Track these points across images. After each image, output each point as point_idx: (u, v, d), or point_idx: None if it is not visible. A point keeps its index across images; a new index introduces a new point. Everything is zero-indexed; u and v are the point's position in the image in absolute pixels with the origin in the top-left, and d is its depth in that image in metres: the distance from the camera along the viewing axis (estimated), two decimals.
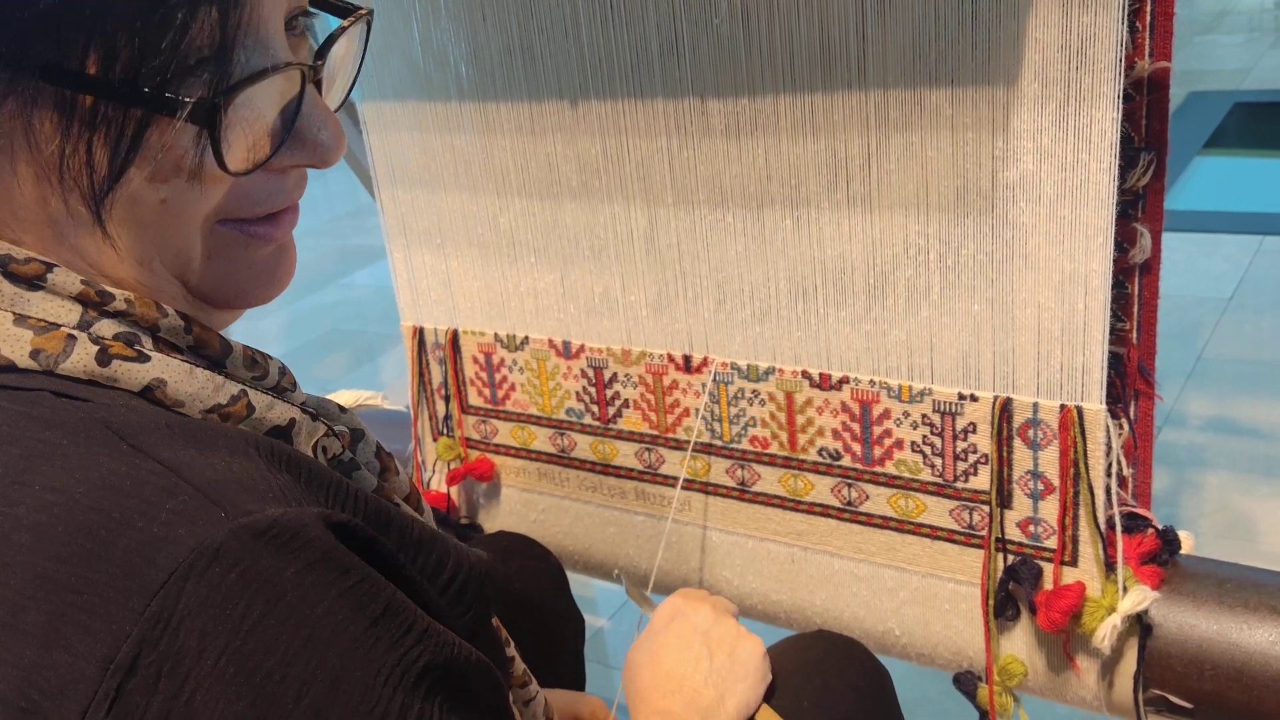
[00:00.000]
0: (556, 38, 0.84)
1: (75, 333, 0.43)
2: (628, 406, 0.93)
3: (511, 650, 0.61)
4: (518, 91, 0.88)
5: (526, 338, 0.97)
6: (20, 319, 0.43)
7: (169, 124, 0.42)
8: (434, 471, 1.06)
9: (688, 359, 0.88)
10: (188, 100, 0.42)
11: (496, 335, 0.98)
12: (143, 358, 0.44)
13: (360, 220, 4.01)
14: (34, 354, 0.43)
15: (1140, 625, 0.74)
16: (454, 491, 1.05)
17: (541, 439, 0.99)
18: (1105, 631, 0.73)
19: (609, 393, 0.94)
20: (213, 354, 0.48)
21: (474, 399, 1.02)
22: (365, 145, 0.99)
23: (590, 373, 0.94)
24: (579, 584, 1.86)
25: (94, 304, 0.45)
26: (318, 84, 0.48)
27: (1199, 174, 3.05)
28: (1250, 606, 0.73)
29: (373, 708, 0.38)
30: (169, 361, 0.44)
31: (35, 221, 0.44)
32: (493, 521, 1.05)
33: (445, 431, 1.04)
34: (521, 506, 1.03)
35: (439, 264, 1.00)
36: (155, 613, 0.37)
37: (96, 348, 0.43)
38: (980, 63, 0.69)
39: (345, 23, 0.51)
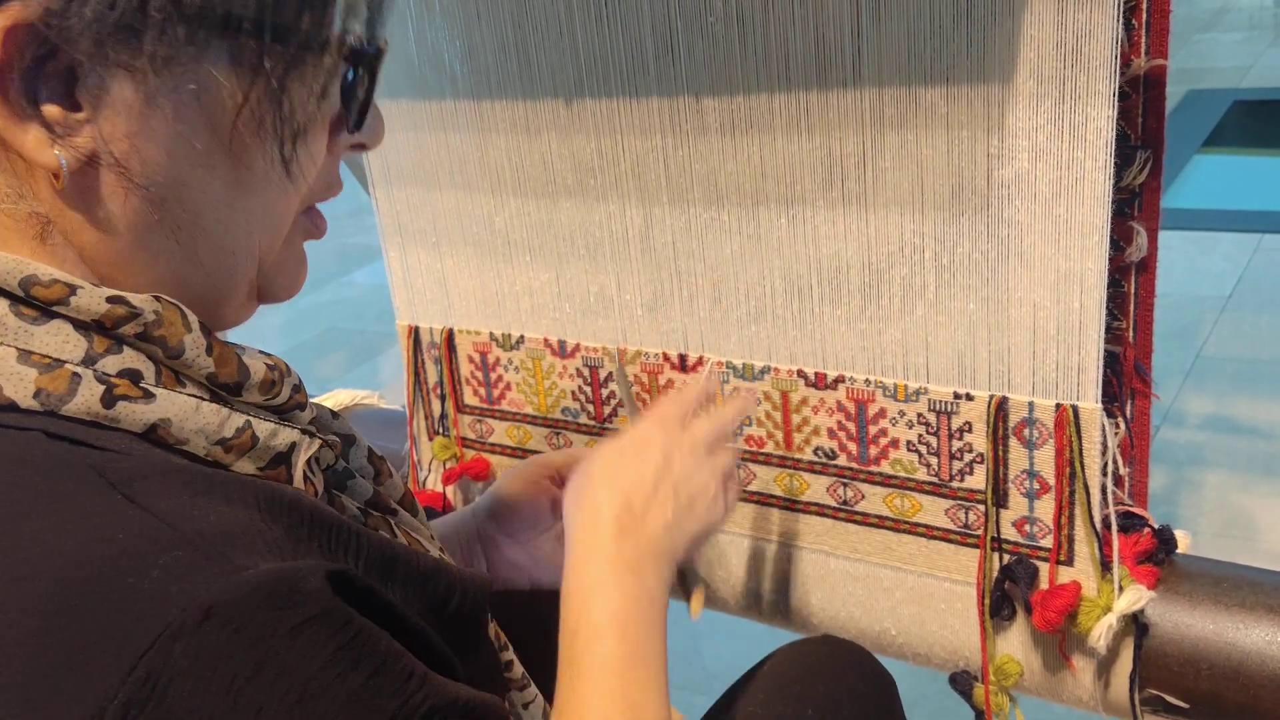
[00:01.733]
0: (551, 36, 0.84)
1: (80, 370, 0.42)
2: (624, 406, 0.93)
3: (509, 654, 0.61)
4: (513, 90, 0.88)
5: (522, 337, 0.96)
6: (24, 355, 0.41)
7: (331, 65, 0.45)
8: (430, 471, 1.06)
9: (683, 358, 0.88)
10: (351, 43, 0.45)
11: (492, 334, 0.98)
12: (148, 396, 0.43)
13: (359, 219, 4.01)
14: (37, 394, 0.41)
15: (1136, 625, 0.74)
16: (450, 491, 1.05)
17: (537, 438, 0.99)
18: (1101, 631, 0.72)
19: (604, 392, 0.94)
20: (229, 379, 0.46)
21: (469, 398, 1.02)
22: None
23: (586, 372, 0.94)
24: None
25: (109, 330, 0.43)
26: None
27: (1198, 172, 3.05)
28: (1247, 606, 0.73)
29: None
30: (174, 398, 0.43)
31: (105, 229, 0.43)
32: None
33: (441, 431, 1.04)
34: None
35: (434, 263, 0.99)
36: (143, 675, 0.36)
37: (103, 388, 0.42)
38: (975, 60, 0.69)
39: None
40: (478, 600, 0.49)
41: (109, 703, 0.35)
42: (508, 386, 0.99)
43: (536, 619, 1.00)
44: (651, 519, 0.62)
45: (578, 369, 0.94)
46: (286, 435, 0.47)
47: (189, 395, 0.44)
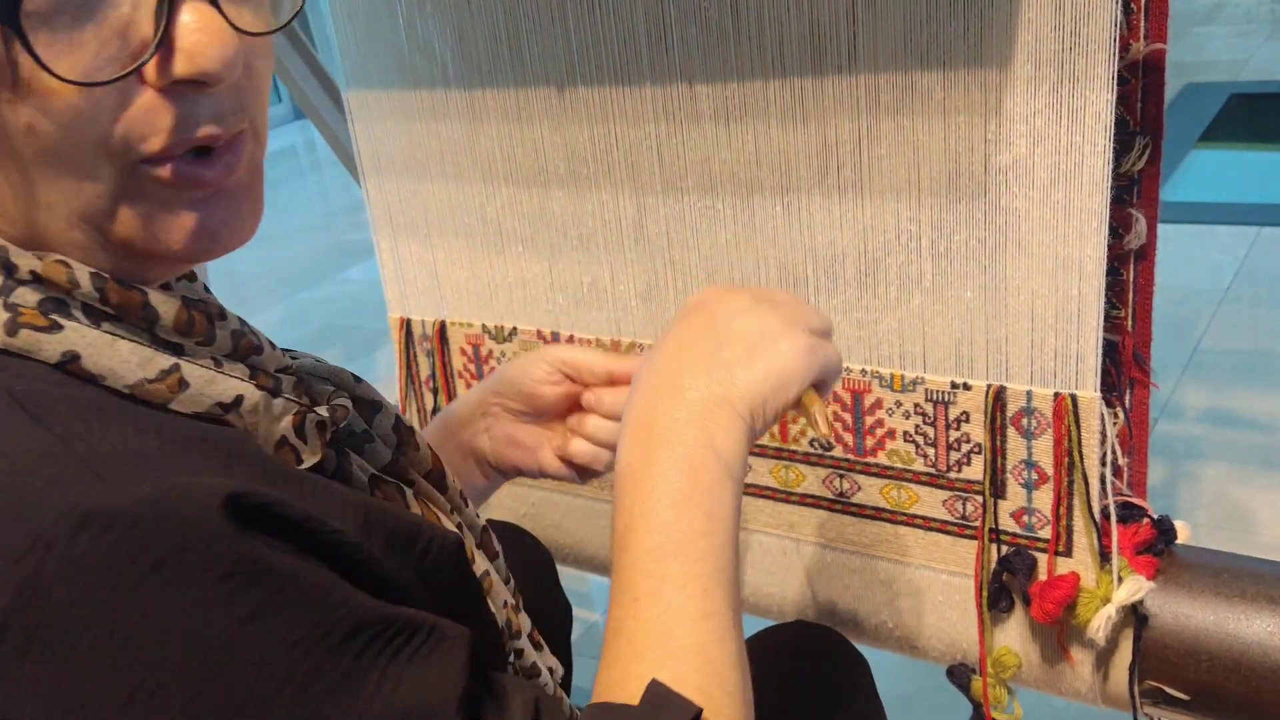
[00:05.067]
0: (543, 23, 0.83)
1: None
2: None
3: (521, 643, 0.60)
4: (504, 78, 0.87)
5: (515, 329, 0.95)
6: None
7: None
8: None
9: None
10: None
11: (484, 326, 0.97)
12: (55, 328, 0.42)
13: (356, 215, 4.00)
14: None
15: (1135, 616, 0.73)
16: None
17: None
18: (1100, 623, 0.71)
19: None
20: (135, 321, 0.44)
21: (462, 391, 1.01)
22: (351, 134, 0.98)
23: None
24: (572, 578, 1.85)
25: (13, 274, 0.42)
26: None
27: (1196, 165, 3.04)
28: (1248, 597, 0.72)
29: (275, 673, 0.37)
30: (86, 332, 0.42)
31: None
32: (484, 515, 1.03)
33: None
34: (512, 500, 1.01)
35: (426, 254, 0.98)
36: (19, 580, 0.36)
37: (8, 315, 0.41)
38: (972, 45, 0.68)
39: None
40: (447, 549, 0.47)
41: None
42: None
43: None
44: (689, 383, 0.52)
45: None
46: (228, 385, 0.45)
47: (106, 332, 0.43)
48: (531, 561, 0.94)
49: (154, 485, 0.38)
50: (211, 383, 0.45)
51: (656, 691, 0.44)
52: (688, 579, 0.48)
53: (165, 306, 0.45)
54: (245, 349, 0.48)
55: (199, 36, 0.41)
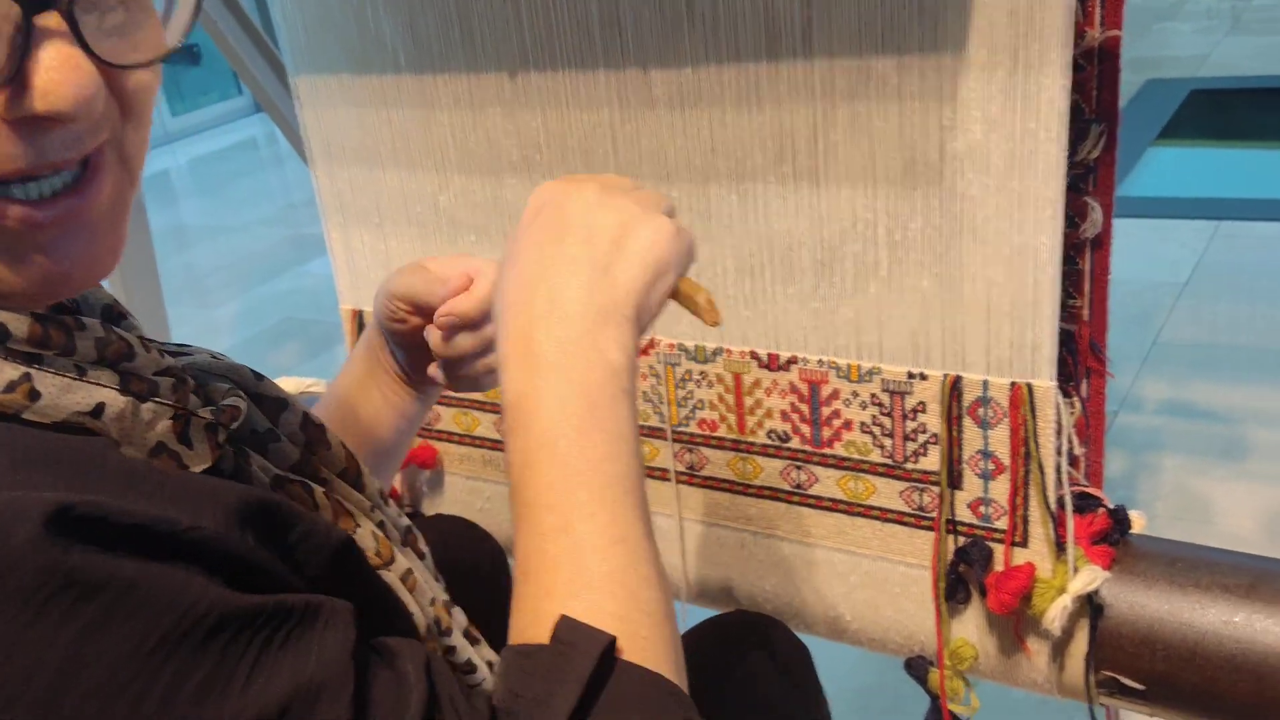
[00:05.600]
0: (495, 7, 0.81)
1: None
2: None
3: (454, 640, 0.58)
4: (456, 64, 0.85)
5: None
6: None
7: None
8: None
9: None
10: None
11: None
12: None
13: (314, 209, 3.95)
14: None
15: (1091, 606, 0.73)
16: (396, 480, 1.02)
17: (485, 425, 0.96)
18: (1056, 613, 0.71)
19: None
20: None
21: None
22: (300, 122, 0.96)
23: None
24: None
25: None
26: (73, 23, 0.39)
27: (1156, 160, 3.07)
28: (1202, 586, 0.72)
29: (125, 684, 0.35)
30: None
31: None
32: (437, 511, 1.02)
33: None
34: (466, 495, 1.00)
35: (378, 244, 0.96)
36: None
37: None
38: (927, 30, 0.67)
39: None
40: (327, 540, 0.46)
41: None
42: None
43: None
44: (559, 293, 0.49)
45: None
46: (87, 393, 0.43)
47: None
48: (479, 554, 0.93)
49: None
50: (67, 391, 0.43)
51: (567, 625, 0.43)
52: (595, 507, 0.46)
53: (15, 324, 0.42)
54: (114, 355, 0.45)
55: (55, 75, 0.39)
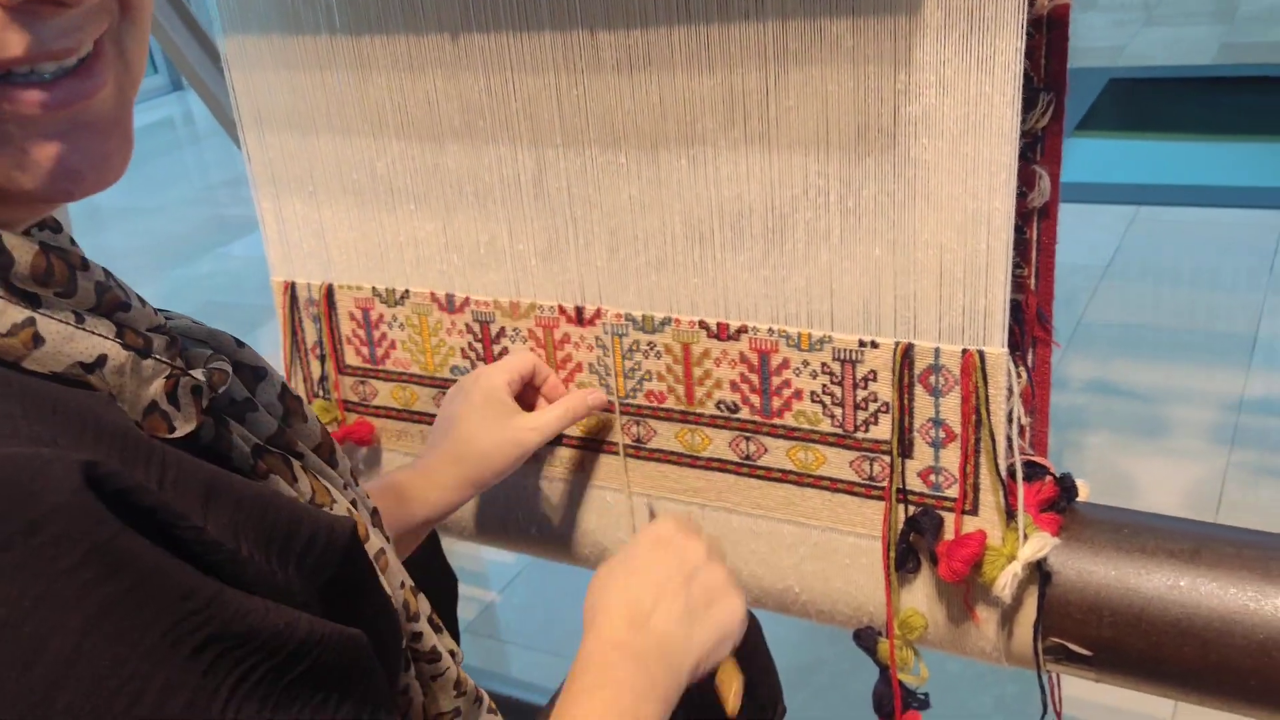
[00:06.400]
0: None
1: None
2: None
3: (420, 625, 0.57)
4: (394, 24, 0.82)
5: (407, 291, 0.91)
6: None
7: None
8: None
9: (580, 311, 0.84)
10: None
11: (374, 289, 0.92)
12: None
13: (238, 189, 3.85)
14: None
15: (1040, 573, 0.73)
16: None
17: (424, 399, 0.94)
18: (1006, 580, 0.71)
19: (496, 349, 0.89)
20: None
21: (351, 358, 0.96)
22: (228, 85, 0.92)
23: (476, 328, 0.89)
24: (469, 558, 1.81)
25: None
26: None
27: (1077, 146, 3.13)
28: (1147, 551, 0.72)
29: (124, 682, 0.33)
30: None
31: None
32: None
33: (321, 393, 0.98)
34: None
35: (311, 213, 0.93)
36: None
37: None
38: None
39: None
40: (335, 540, 0.44)
41: None
42: (392, 345, 0.93)
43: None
44: (662, 615, 0.61)
45: (467, 324, 0.89)
46: (89, 343, 0.41)
47: None
48: None
49: (7, 453, 0.33)
50: (70, 339, 0.40)
51: None
52: None
53: (20, 251, 0.40)
54: (110, 304, 0.43)
55: None
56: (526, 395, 0.85)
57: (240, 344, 0.52)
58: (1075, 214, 2.75)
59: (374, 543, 0.53)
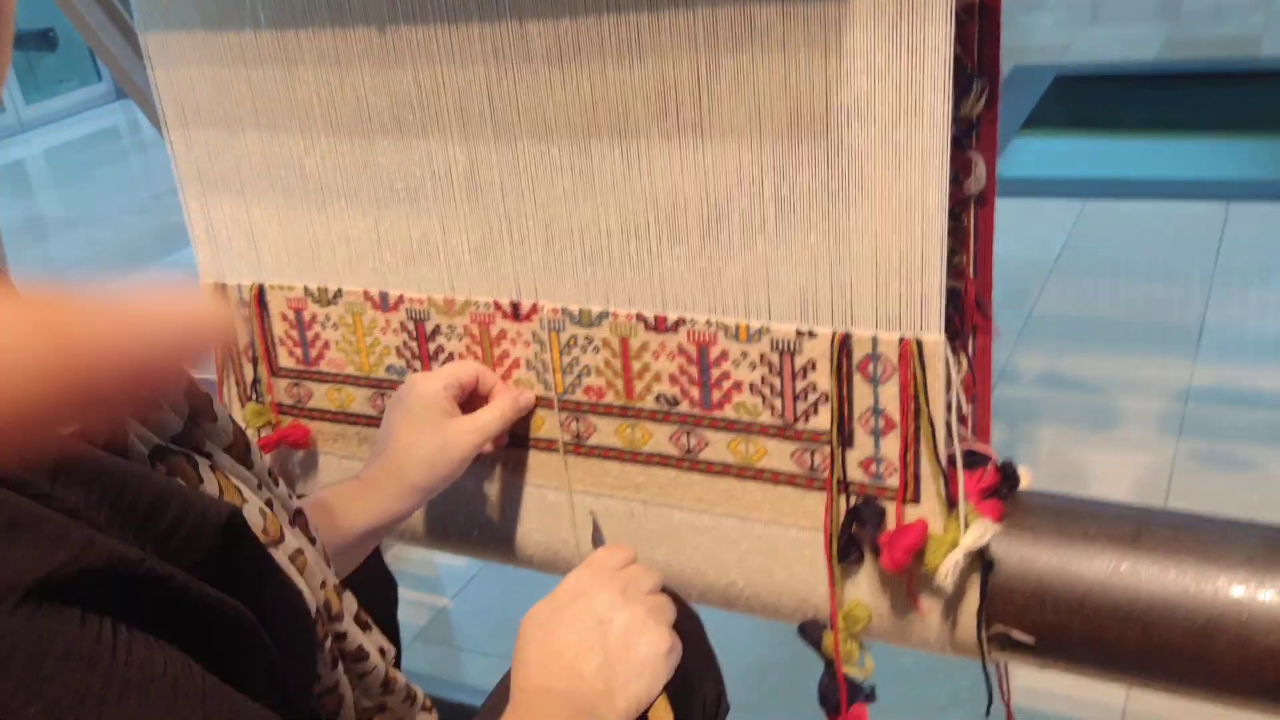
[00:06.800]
0: None
1: None
2: (453, 360, 0.87)
3: (344, 625, 0.55)
4: (320, 18, 0.80)
5: (340, 290, 0.89)
6: None
7: None
8: None
9: (516, 306, 0.82)
10: None
11: (306, 289, 0.90)
12: None
13: None
14: None
15: (982, 561, 0.73)
16: (265, 461, 0.96)
17: (360, 401, 0.92)
18: (948, 568, 0.71)
19: (432, 346, 0.87)
20: None
21: (284, 360, 0.94)
22: (151, 82, 0.89)
23: (411, 326, 0.87)
24: (421, 564, 1.78)
25: None
26: None
27: (1024, 141, 3.16)
28: (1089, 536, 0.72)
29: None
30: None
31: None
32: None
33: (254, 397, 0.95)
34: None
35: (240, 213, 0.91)
36: None
37: None
38: None
39: None
40: (208, 520, 0.42)
41: None
42: (326, 345, 0.91)
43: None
44: (580, 668, 0.62)
45: (401, 323, 0.87)
46: None
47: None
48: None
49: None
50: None
51: None
52: None
53: None
54: None
55: None
56: (474, 403, 0.83)
57: None
58: (1023, 209, 2.77)
59: (290, 542, 0.51)
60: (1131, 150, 3.10)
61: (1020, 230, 2.63)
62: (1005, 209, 0.76)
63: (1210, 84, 3.48)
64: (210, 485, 0.48)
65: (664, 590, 0.80)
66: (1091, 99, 3.56)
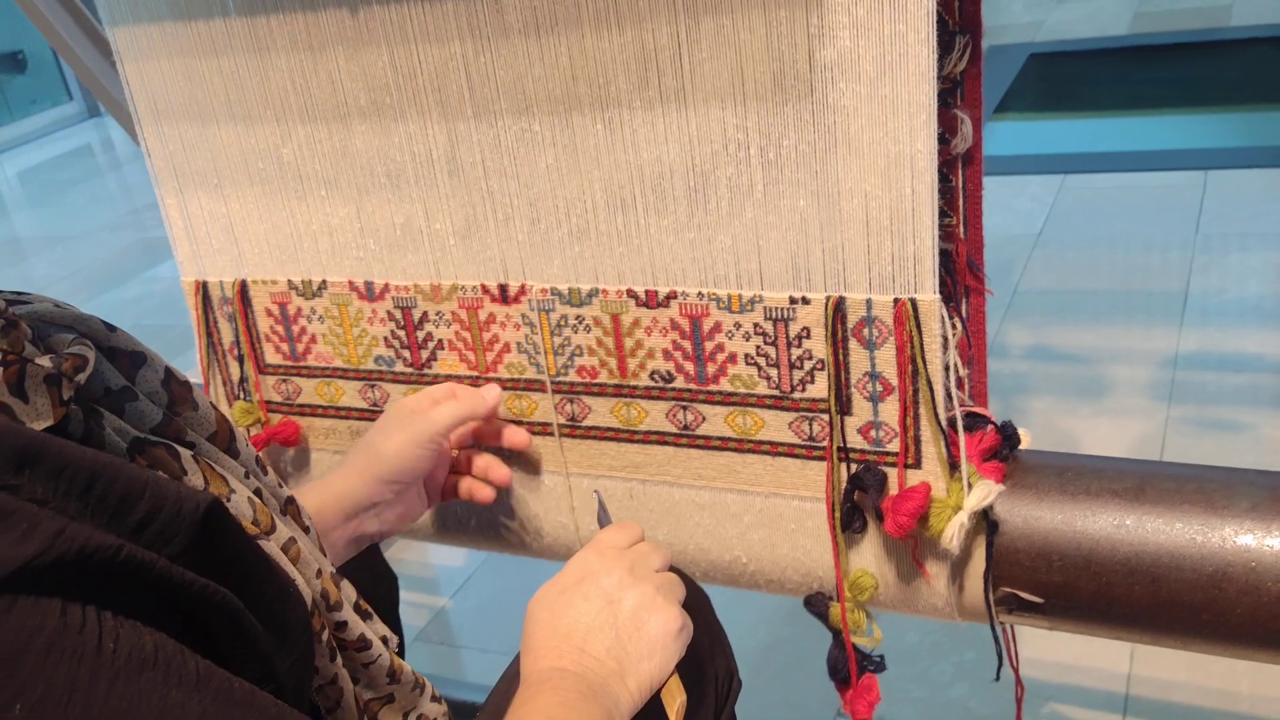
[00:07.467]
0: None
1: None
2: (442, 348, 0.85)
3: (343, 614, 0.54)
4: (291, 1, 0.79)
5: (324, 282, 0.87)
6: None
7: None
8: None
9: (504, 288, 0.81)
10: None
11: (290, 282, 0.89)
12: None
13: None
14: None
15: (987, 523, 0.72)
16: None
17: (350, 394, 0.90)
18: (953, 531, 0.70)
19: (420, 334, 0.86)
20: None
21: (271, 356, 0.92)
22: (122, 78, 0.88)
23: (398, 314, 0.86)
24: (419, 564, 1.76)
25: None
26: None
27: (1001, 122, 3.17)
28: (1092, 492, 0.71)
29: None
30: None
31: None
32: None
33: (241, 395, 0.94)
34: None
35: (218, 207, 0.89)
36: None
37: None
38: None
39: None
40: (184, 511, 0.41)
41: None
42: (313, 339, 0.90)
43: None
44: (591, 649, 0.62)
45: (389, 312, 0.86)
46: None
47: None
48: None
49: None
50: None
51: None
52: None
53: None
54: None
55: None
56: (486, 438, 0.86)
57: (112, 328, 0.49)
58: (1004, 185, 2.77)
59: (282, 532, 0.50)
60: (1108, 124, 3.11)
61: (1002, 207, 2.63)
62: (986, 186, 0.75)
63: (1182, 55, 3.49)
64: (194, 476, 0.46)
65: (671, 568, 0.79)
66: (1066, 76, 3.56)
